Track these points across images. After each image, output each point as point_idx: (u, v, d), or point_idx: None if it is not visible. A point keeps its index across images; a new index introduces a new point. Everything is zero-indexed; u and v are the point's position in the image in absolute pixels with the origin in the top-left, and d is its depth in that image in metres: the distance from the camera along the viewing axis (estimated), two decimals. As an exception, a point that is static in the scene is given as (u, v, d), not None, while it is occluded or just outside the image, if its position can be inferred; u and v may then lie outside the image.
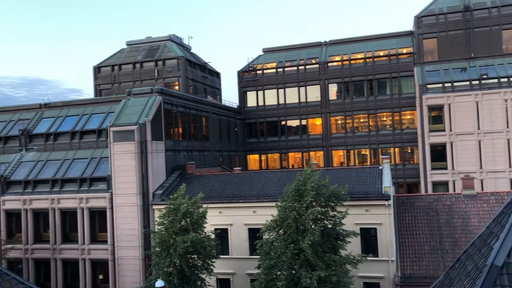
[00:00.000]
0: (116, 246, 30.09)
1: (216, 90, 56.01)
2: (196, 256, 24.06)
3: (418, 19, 45.16)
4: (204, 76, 52.65)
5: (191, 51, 54.90)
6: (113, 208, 30.38)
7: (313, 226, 20.83)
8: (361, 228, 25.75)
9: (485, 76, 40.36)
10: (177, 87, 47.54)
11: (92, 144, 33.86)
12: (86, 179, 31.65)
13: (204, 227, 24.62)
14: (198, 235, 23.18)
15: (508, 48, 42.73)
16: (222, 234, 28.03)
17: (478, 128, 39.85)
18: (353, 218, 24.90)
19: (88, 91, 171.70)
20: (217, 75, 57.32)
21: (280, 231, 21.97)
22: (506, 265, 8.70)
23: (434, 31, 44.55)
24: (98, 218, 31.45)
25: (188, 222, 23.83)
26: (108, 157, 31.50)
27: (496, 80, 40.20)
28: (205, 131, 41.31)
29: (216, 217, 28.21)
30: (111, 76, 50.60)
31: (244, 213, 28.24)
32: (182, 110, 36.87)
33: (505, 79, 39.97)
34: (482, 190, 36.88)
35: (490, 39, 42.84)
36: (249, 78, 50.97)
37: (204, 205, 25.58)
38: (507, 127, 39.23)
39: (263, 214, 26.31)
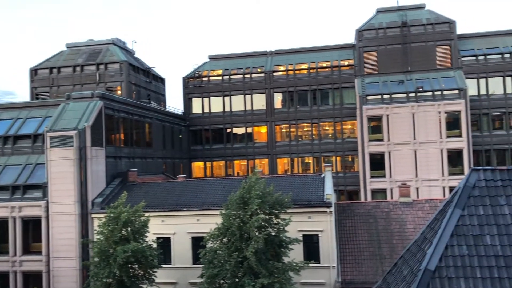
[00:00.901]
0: (52, 257, 28.62)
1: (160, 96, 55.09)
2: (137, 266, 23.40)
3: (359, 32, 46.97)
4: (148, 81, 51.66)
5: (135, 55, 53.73)
6: (48, 217, 28.90)
7: (257, 234, 20.89)
8: (303, 235, 26.15)
9: (421, 89, 42.60)
10: (119, 92, 46.26)
11: (27, 150, 32.15)
12: (19, 186, 29.94)
13: (146, 236, 24.06)
14: (139, 245, 22.57)
15: (441, 63, 45.37)
16: (164, 243, 27.48)
17: (414, 139, 41.90)
18: (296, 225, 25.23)
19: (22, 94, 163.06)
20: (161, 80, 56.43)
21: (224, 239, 21.87)
22: (438, 269, 9.13)
23: (374, 44, 46.48)
24: (32, 228, 29.77)
25: (129, 231, 23.16)
26: (44, 164, 29.99)
27: (430, 93, 42.54)
28: (148, 137, 40.43)
29: (158, 226, 27.60)
30: (49, 79, 48.39)
31: (188, 221, 27.86)
32: (125, 116, 35.92)
33: (439, 92, 42.38)
34: (418, 197, 38.69)
35: (425, 54, 45.30)
36: (194, 84, 50.62)
37: (146, 214, 24.97)
38: (440, 138, 41.53)
39: (207, 223, 26.06)
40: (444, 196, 39.30)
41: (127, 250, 21.70)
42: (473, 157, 42.29)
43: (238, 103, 49.76)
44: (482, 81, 44.57)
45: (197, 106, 50.83)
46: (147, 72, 51.98)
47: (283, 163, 49.34)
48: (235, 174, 49.28)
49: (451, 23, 45.31)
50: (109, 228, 22.87)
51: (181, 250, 27.72)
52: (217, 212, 24.13)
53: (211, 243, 22.41)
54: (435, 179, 41.19)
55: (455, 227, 9.57)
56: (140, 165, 37.17)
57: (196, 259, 25.98)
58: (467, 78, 43.60)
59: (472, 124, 43.27)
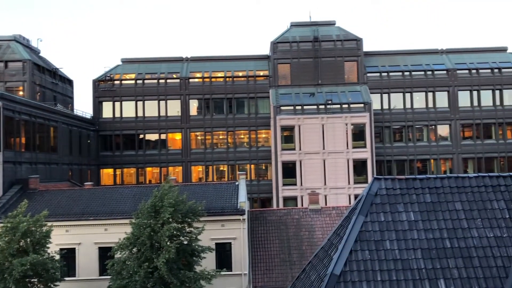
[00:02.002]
0: None
1: (67, 99, 52.08)
2: (36, 280, 21.71)
3: (274, 44, 48.33)
4: (54, 82, 48.58)
5: (40, 54, 50.30)
6: None
7: (168, 243, 20.45)
8: (216, 243, 26.09)
9: (330, 102, 44.82)
10: (21, 93, 42.92)
11: None
12: None
13: (48, 248, 22.44)
14: (39, 257, 20.97)
15: (349, 78, 48.13)
16: (68, 254, 25.92)
17: (323, 148, 43.88)
18: (209, 233, 25.08)
19: None
20: (69, 82, 53.41)
21: (134, 249, 21.13)
22: (343, 273, 9.57)
23: (287, 57, 48.09)
24: None
25: (28, 242, 21.47)
26: None
27: (338, 106, 44.90)
28: (52, 142, 37.94)
29: (62, 236, 25.90)
30: None
31: (95, 231, 26.50)
32: (27, 118, 33.39)
33: (346, 105, 44.88)
34: (326, 204, 40.43)
35: (334, 68, 47.78)
36: (105, 88, 48.52)
37: (49, 223, 23.34)
38: (347, 148, 43.92)
39: (116, 232, 25.01)
40: (350, 203, 41.49)
41: (25, 263, 20.10)
42: (376, 166, 45.27)
43: (151, 108, 48.53)
44: (385, 96, 48.03)
45: (107, 110, 48.73)
46: (54, 73, 48.91)
47: (197, 171, 48.94)
48: (147, 182, 47.88)
49: (358, 41, 48.31)
50: (5, 239, 21.07)
51: (87, 262, 26.28)
52: (127, 221, 23.25)
53: (120, 254, 21.52)
54: (342, 187, 43.40)
55: (359, 233, 10.11)
56: (43, 171, 34.72)
57: (103, 270, 24.75)
58: (371, 93, 46.69)
59: (376, 136, 46.35)
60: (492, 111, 47.71)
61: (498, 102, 47.85)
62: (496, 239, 9.93)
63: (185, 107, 48.45)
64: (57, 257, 23.45)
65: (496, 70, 48.00)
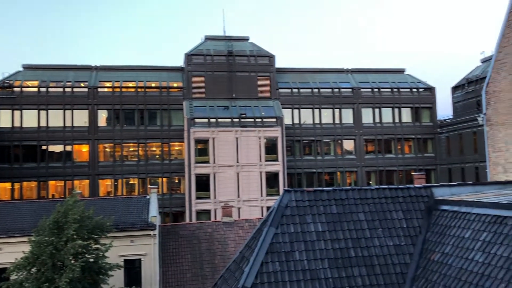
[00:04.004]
0: None
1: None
2: None
3: (188, 56, 48.10)
4: None
5: None
6: None
7: (73, 262, 19.18)
8: (125, 260, 25.00)
9: (244, 115, 45.47)
10: None
11: None
12: None
13: None
14: None
15: (262, 92, 49.27)
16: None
17: (237, 161, 44.28)
18: (118, 250, 23.97)
19: None
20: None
21: (33, 270, 19.49)
22: (255, 286, 9.63)
23: (202, 69, 48.06)
24: None
25: None
26: None
27: (252, 120, 45.71)
28: None
29: None
30: None
31: (-13, 251, 24.08)
32: None
33: (259, 119, 45.83)
34: (239, 217, 40.69)
35: (248, 83, 48.66)
36: (3, 95, 44.74)
37: None
38: (260, 161, 44.75)
39: (13, 252, 22.89)
40: (262, 215, 42.16)
41: None
42: (287, 179, 46.62)
43: (56, 118, 45.61)
44: (296, 111, 49.83)
45: (5, 119, 44.90)
46: None
47: (105, 185, 46.73)
48: (50, 197, 44.62)
49: (271, 57, 49.75)
50: None
51: (-24, 286, 23.70)
52: (25, 239, 21.44)
53: (16, 275, 19.73)
54: (255, 199, 44.01)
55: (270, 245, 10.25)
56: None
57: (-5, 295, 22.50)
58: (283, 108, 48.20)
59: (287, 149, 47.80)
60: (392, 127, 51.55)
61: (397, 119, 51.83)
62: (395, 247, 10.61)
63: (93, 118, 46.19)
64: None
65: (395, 90, 52.06)
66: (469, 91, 51.34)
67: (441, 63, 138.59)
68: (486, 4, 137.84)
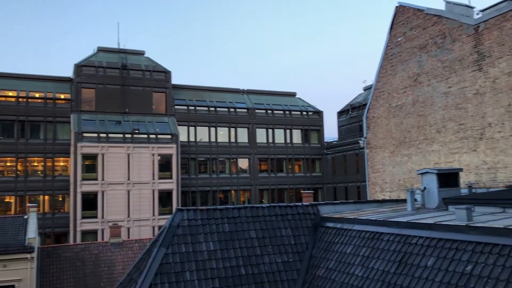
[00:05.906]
0: None
1: None
2: None
3: (78, 67, 45.44)
4: None
5: None
6: None
7: None
8: (-5, 288, 22.46)
9: (137, 131, 44.02)
10: None
11: None
12: None
13: None
14: None
15: (157, 108, 48.22)
16: None
17: (128, 179, 42.52)
18: (-14, 276, 21.49)
19: None
20: None
21: None
22: (142, 309, 9.22)
23: (92, 82, 45.65)
24: None
25: None
26: None
27: (146, 136, 44.42)
28: None
29: None
30: None
31: None
32: None
33: (154, 136, 44.69)
34: (129, 237, 38.94)
35: (142, 98, 47.32)
36: None
37: None
38: (153, 179, 43.50)
39: None
40: (153, 235, 40.84)
41: None
42: (182, 197, 45.88)
43: None
44: (192, 129, 49.55)
45: None
46: None
47: (-25, 203, 41.75)
48: None
49: (167, 73, 49.10)
50: None
51: None
52: None
53: None
54: (146, 218, 42.52)
55: (160, 266, 9.93)
56: None
57: None
58: (179, 125, 47.64)
59: (182, 167, 47.16)
60: (284, 147, 53.69)
61: (288, 140, 54.15)
62: (284, 264, 10.93)
63: (-37, 128, 41.26)
64: None
65: (287, 112, 54.48)
66: (353, 116, 55.56)
67: (329, 89, 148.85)
68: (374, 35, 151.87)
